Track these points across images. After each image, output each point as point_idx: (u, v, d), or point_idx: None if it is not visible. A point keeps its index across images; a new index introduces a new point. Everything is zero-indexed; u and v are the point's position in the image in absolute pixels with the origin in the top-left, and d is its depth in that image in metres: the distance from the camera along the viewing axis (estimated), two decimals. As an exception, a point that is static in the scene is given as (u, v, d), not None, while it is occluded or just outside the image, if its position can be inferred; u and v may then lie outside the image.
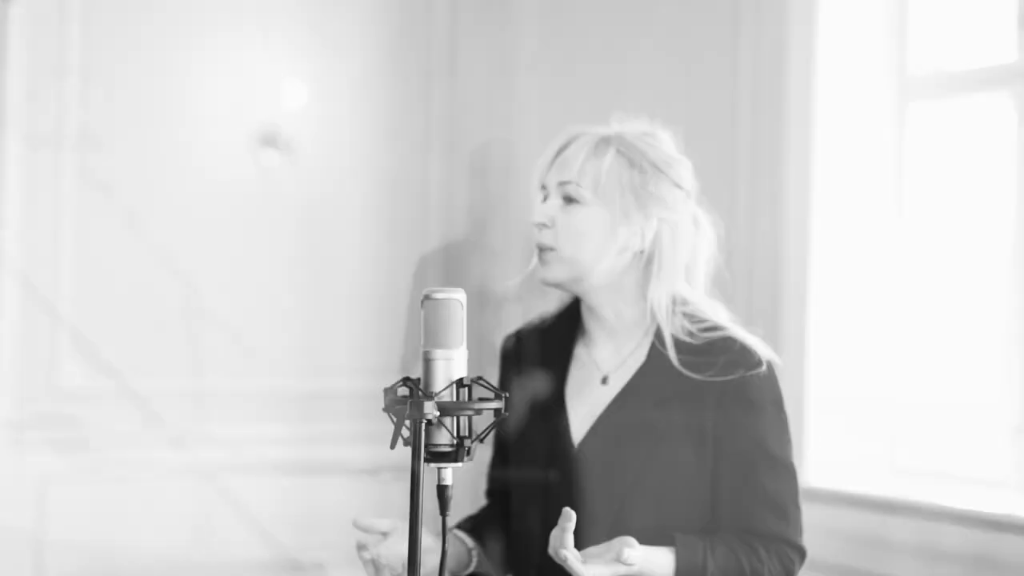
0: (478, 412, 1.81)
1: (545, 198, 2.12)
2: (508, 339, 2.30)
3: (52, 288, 4.63)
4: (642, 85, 4.58)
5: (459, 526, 2.25)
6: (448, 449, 1.81)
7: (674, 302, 2.10)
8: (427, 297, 1.82)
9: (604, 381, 2.12)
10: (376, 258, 5.15)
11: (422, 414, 1.74)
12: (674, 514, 2.02)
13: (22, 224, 4.56)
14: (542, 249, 2.10)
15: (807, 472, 3.85)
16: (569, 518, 1.87)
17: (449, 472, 1.83)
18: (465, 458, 1.82)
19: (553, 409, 2.13)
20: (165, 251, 4.80)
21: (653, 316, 2.10)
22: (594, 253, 2.07)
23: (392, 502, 5.03)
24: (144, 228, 4.76)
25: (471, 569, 2.21)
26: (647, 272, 2.10)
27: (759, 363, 2.05)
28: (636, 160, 2.09)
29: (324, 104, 5.06)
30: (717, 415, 2.03)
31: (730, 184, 4.18)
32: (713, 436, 2.03)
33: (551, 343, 2.21)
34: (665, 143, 2.16)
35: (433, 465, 1.82)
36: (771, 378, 2.07)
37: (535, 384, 2.19)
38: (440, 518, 1.80)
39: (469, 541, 2.21)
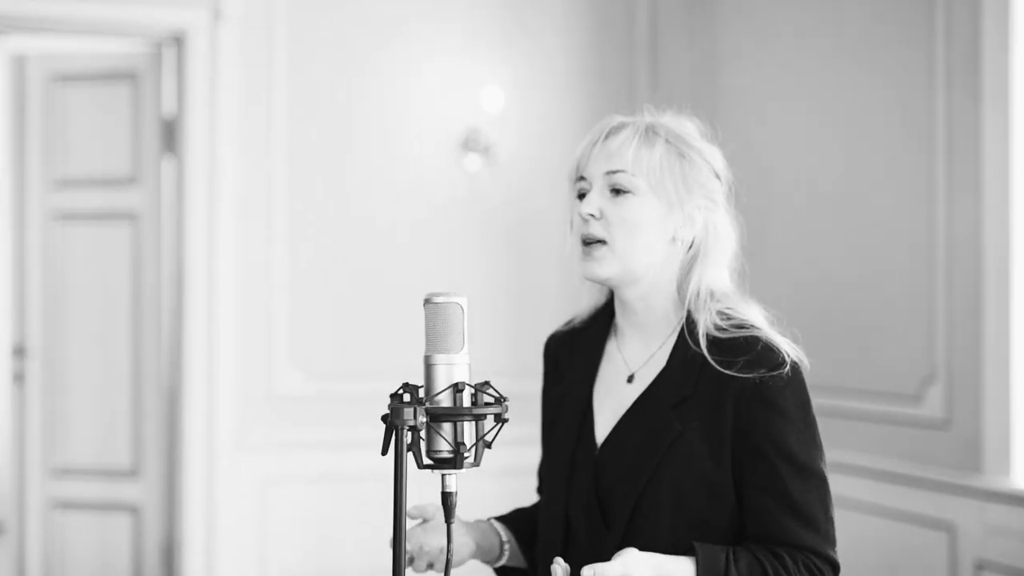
0: (476, 418, 1.76)
1: (582, 192, 2.05)
2: (548, 339, 2.24)
3: (267, 302, 4.79)
4: (838, 78, 4.38)
5: (501, 517, 2.21)
6: (448, 455, 1.77)
7: (712, 296, 2.00)
8: (428, 301, 1.78)
9: (630, 380, 2.04)
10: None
11: (402, 421, 1.70)
12: (692, 519, 1.92)
13: (238, 240, 4.74)
14: (588, 242, 2.02)
15: None
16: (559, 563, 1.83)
17: (453, 479, 1.78)
18: (466, 464, 1.77)
19: (580, 410, 2.07)
20: (373, 258, 4.91)
21: (683, 309, 2.01)
22: (647, 245, 1.99)
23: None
24: (351, 236, 4.88)
25: (503, 561, 2.16)
26: (690, 263, 2.02)
27: (781, 364, 1.92)
28: (684, 149, 2.02)
29: (525, 107, 5.07)
30: (735, 416, 1.91)
31: (927, 173, 3.95)
32: (732, 438, 1.92)
33: (584, 341, 2.14)
34: (697, 134, 2.07)
35: (437, 472, 1.79)
36: (795, 381, 1.93)
37: (566, 384, 2.13)
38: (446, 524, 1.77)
39: (504, 533, 2.16)
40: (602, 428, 2.03)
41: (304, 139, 4.84)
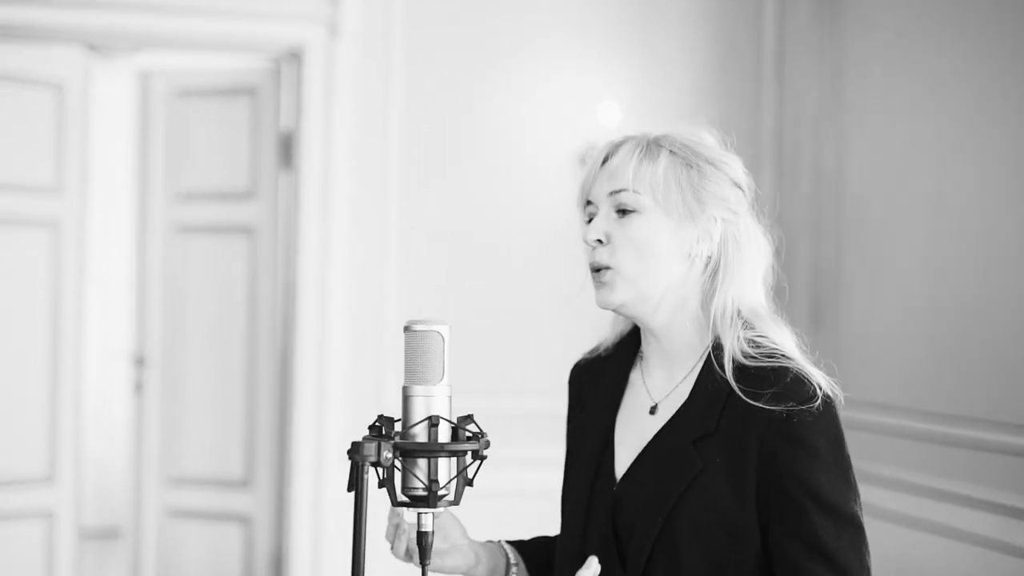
0: (450, 454, 1.69)
1: (591, 216, 1.95)
2: (573, 368, 2.14)
3: (378, 316, 4.78)
4: (970, 91, 4.16)
5: (517, 541, 2.13)
6: (422, 493, 1.69)
7: (739, 317, 1.88)
8: (407, 328, 1.72)
9: (653, 411, 1.92)
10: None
11: (362, 456, 1.63)
12: (714, 561, 1.79)
13: (351, 254, 4.74)
14: (598, 269, 1.91)
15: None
16: (590, 566, 1.72)
17: (429, 518, 1.72)
18: (443, 503, 1.70)
19: (601, 440, 1.96)
20: (486, 273, 4.86)
21: (710, 334, 1.89)
22: (659, 266, 1.87)
23: None
24: (465, 251, 4.84)
25: None
26: (712, 282, 1.89)
27: (811, 397, 1.78)
28: (691, 159, 1.90)
29: (643, 122, 4.94)
30: (760, 453, 1.78)
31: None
32: (758, 477, 1.78)
33: (609, 370, 2.03)
34: (712, 143, 1.94)
35: (412, 510, 1.72)
36: (827, 416, 1.79)
37: (587, 413, 2.03)
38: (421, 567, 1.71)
39: (513, 556, 2.07)
40: (622, 461, 1.92)
41: (419, 154, 4.82)
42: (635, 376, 1.99)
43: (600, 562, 1.88)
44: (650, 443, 1.88)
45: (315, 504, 4.72)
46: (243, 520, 5.06)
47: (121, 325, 5.48)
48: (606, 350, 2.07)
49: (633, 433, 1.92)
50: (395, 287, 4.81)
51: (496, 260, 4.86)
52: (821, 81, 5.00)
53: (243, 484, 5.05)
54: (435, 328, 1.70)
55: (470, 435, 1.72)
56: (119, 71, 5.45)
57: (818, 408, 1.78)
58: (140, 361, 5.14)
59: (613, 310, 1.93)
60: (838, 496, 1.77)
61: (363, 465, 1.63)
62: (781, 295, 4.64)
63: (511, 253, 4.87)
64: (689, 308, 1.90)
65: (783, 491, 1.77)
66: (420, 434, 1.69)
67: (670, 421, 1.87)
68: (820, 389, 1.79)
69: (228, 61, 5.13)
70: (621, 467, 1.91)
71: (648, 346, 1.96)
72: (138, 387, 5.16)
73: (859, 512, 1.79)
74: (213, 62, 5.18)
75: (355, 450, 1.63)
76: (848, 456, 1.81)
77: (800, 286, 5.03)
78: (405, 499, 1.71)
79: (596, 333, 4.52)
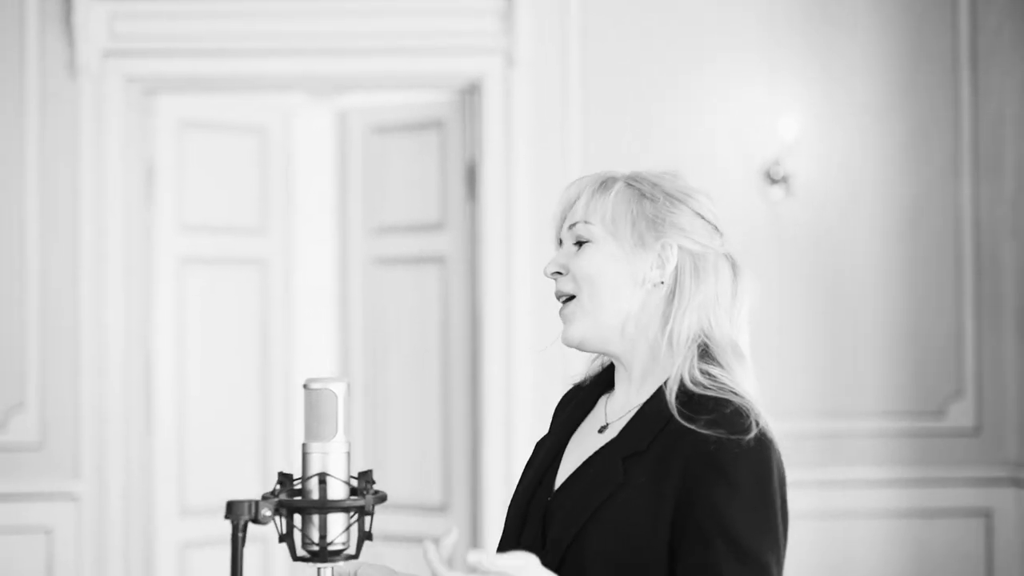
0: (337, 511, 1.71)
1: None
2: (561, 398, 2.14)
3: (562, 346, 4.80)
4: None
5: None
6: (315, 549, 1.73)
7: (699, 347, 1.85)
8: (304, 386, 1.77)
9: (602, 430, 1.92)
10: (896, 293, 4.79)
11: (236, 516, 1.68)
12: None
13: (535, 281, 4.79)
14: (562, 300, 1.94)
15: None
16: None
17: (328, 572, 1.75)
18: (340, 556, 1.73)
19: (551, 456, 1.97)
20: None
21: (673, 364, 1.85)
22: (612, 292, 1.88)
23: (931, 548, 4.67)
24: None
25: None
26: (668, 309, 1.88)
27: (745, 431, 1.72)
28: (647, 190, 1.91)
29: (826, 136, 4.81)
30: (683, 478, 1.74)
31: None
32: (675, 501, 1.73)
33: (582, 400, 2.03)
34: (680, 180, 1.94)
35: (314, 565, 1.76)
36: (758, 454, 1.72)
37: (549, 433, 2.05)
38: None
39: None
40: (563, 475, 1.92)
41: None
42: (601, 400, 1.99)
43: None
44: (588, 458, 1.88)
45: (508, 528, 4.79)
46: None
47: (327, 355, 5.71)
48: (590, 380, 2.06)
49: (580, 450, 1.93)
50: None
51: (679, 281, 4.80)
52: (1021, 79, 4.71)
53: (441, 509, 5.17)
54: (328, 387, 1.74)
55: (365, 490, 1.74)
56: (317, 112, 5.70)
57: (748, 443, 1.72)
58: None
59: (575, 347, 1.93)
60: (751, 539, 1.69)
61: (238, 524, 1.67)
62: (983, 301, 4.46)
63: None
64: (650, 335, 1.90)
65: (696, 520, 1.72)
66: (314, 490, 1.73)
67: (612, 439, 1.87)
68: (757, 426, 1.74)
69: (417, 96, 5.29)
70: (561, 480, 1.91)
71: (617, 374, 1.97)
72: (344, 415, 5.36)
73: (772, 565, 1.70)
74: (404, 98, 5.34)
75: (229, 510, 1.67)
76: (775, 504, 1.73)
77: (1007, 294, 4.76)
78: (305, 554, 1.75)
79: (786, 347, 4.42)
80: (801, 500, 4.59)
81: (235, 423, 5.21)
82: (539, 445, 2.03)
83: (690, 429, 1.74)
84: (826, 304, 4.81)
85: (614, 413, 1.92)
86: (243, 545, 1.68)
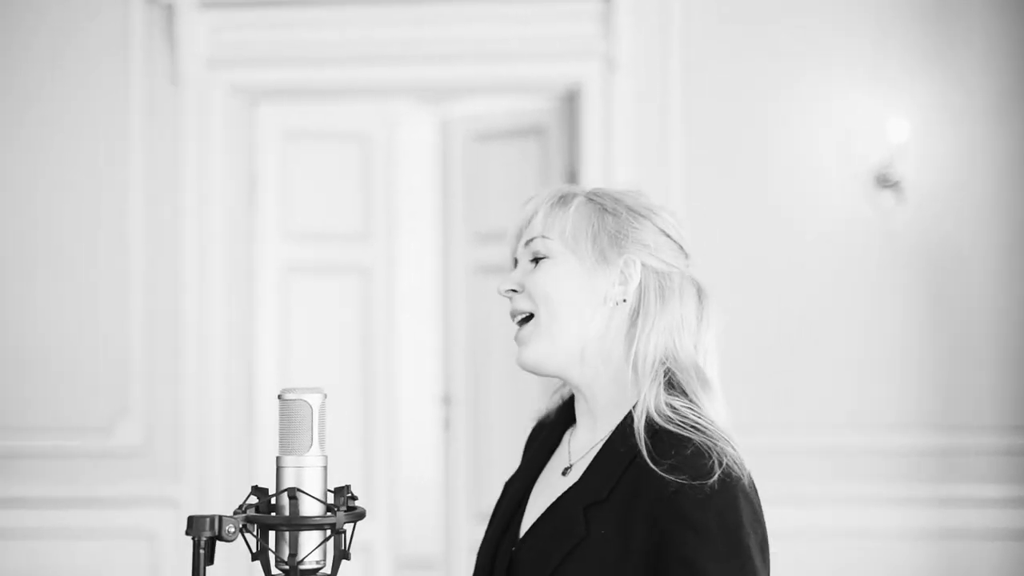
0: (310, 527, 1.65)
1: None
2: (531, 431, 2.03)
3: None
4: None
5: None
6: (285, 567, 1.67)
7: (664, 374, 1.73)
8: (278, 397, 1.71)
9: (565, 472, 1.81)
10: (1013, 303, 4.56)
11: (197, 532, 1.63)
12: None
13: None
14: (520, 322, 1.83)
15: None
16: None
17: (301, 592, 1.68)
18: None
19: (516, 500, 1.87)
20: (777, 304, 4.66)
21: (637, 393, 1.74)
22: (570, 310, 1.77)
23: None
24: (754, 280, 4.67)
25: None
26: (632, 331, 1.76)
27: (707, 474, 1.61)
28: (609, 205, 1.81)
29: (939, 138, 4.60)
30: (649, 528, 1.63)
31: None
32: (644, 556, 1.62)
33: (545, 438, 1.92)
34: (644, 197, 1.81)
35: (285, 584, 1.70)
36: (723, 496, 1.60)
37: (516, 475, 1.94)
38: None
39: None
40: (528, 522, 1.82)
41: (702, 185, 4.70)
42: (566, 437, 1.89)
43: None
44: (551, 505, 1.77)
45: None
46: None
47: (429, 362, 5.68)
48: (549, 414, 1.95)
49: (545, 494, 1.82)
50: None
51: (785, 289, 4.66)
52: None
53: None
54: (303, 397, 1.68)
55: (343, 507, 1.68)
56: (419, 120, 5.68)
57: (712, 486, 1.61)
58: (447, 400, 5.31)
59: (531, 371, 1.82)
60: None
61: (199, 540, 1.62)
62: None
63: (801, 281, 4.65)
64: (613, 362, 1.78)
65: (666, 572, 1.61)
66: (286, 506, 1.67)
67: (575, 483, 1.76)
68: (720, 466, 1.62)
69: (518, 103, 5.22)
70: (526, 527, 1.82)
71: (578, 406, 1.86)
72: (446, 425, 5.33)
73: None
74: (506, 105, 5.29)
75: (189, 525, 1.62)
76: (749, 547, 1.62)
77: None
78: (279, 572, 1.69)
79: (896, 356, 4.26)
80: (918, 518, 4.44)
81: (337, 430, 5.20)
82: (507, 485, 1.93)
83: (654, 472, 1.63)
84: (939, 313, 4.60)
85: (577, 452, 1.81)
86: (206, 562, 1.63)
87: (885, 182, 4.56)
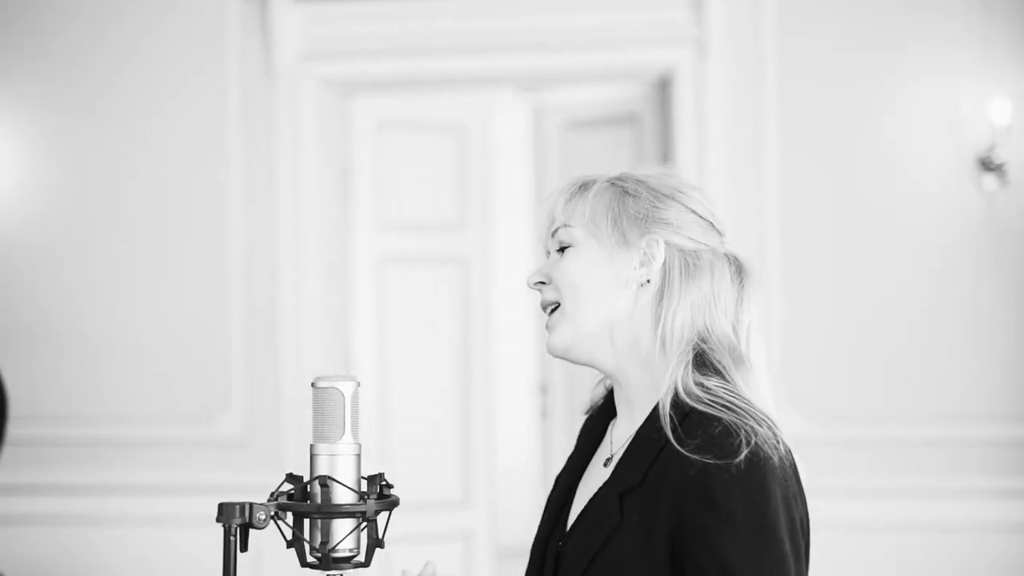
0: (339, 515, 1.65)
1: None
2: (580, 429, 2.00)
3: (764, 337, 4.64)
4: None
5: None
6: (319, 555, 1.68)
7: (687, 344, 1.69)
8: (312, 385, 1.72)
9: (606, 463, 1.78)
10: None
11: (227, 519, 1.64)
12: None
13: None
14: (548, 310, 1.81)
15: None
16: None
17: (335, 580, 1.69)
18: (341, 566, 1.67)
19: (564, 492, 1.85)
20: (874, 291, 4.57)
21: (666, 374, 1.70)
22: (593, 296, 1.74)
23: None
24: (849, 269, 4.59)
25: None
26: (658, 311, 1.73)
27: (733, 453, 1.56)
28: (631, 188, 1.77)
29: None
30: (675, 512, 1.59)
31: None
32: (669, 539, 1.59)
33: (591, 429, 1.90)
34: (679, 178, 1.78)
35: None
36: (749, 477, 1.56)
37: (564, 467, 1.91)
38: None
39: None
40: (574, 514, 1.80)
41: (797, 171, 4.62)
42: (610, 428, 1.86)
43: None
44: (592, 497, 1.74)
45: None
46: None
47: (526, 351, 5.67)
48: (593, 407, 1.93)
49: (590, 486, 1.80)
50: (777, 308, 4.64)
51: (884, 275, 4.56)
52: None
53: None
54: (335, 385, 1.69)
55: (376, 495, 1.68)
56: (513, 109, 5.66)
57: (739, 466, 1.56)
58: (544, 388, 5.30)
59: (561, 357, 1.81)
60: (749, 572, 1.54)
61: (229, 527, 1.63)
62: None
63: (900, 266, 4.54)
64: (643, 345, 1.75)
65: (692, 557, 1.59)
66: (318, 494, 1.67)
67: (611, 473, 1.73)
68: (748, 445, 1.57)
69: (612, 91, 5.19)
70: (572, 520, 1.79)
71: (616, 395, 1.83)
72: (543, 413, 5.32)
73: None
74: (599, 93, 5.25)
75: (220, 512, 1.64)
76: (778, 529, 1.57)
77: None
78: (313, 560, 1.69)
79: (995, 348, 4.16)
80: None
81: (435, 420, 5.23)
82: (558, 479, 1.91)
83: (680, 453, 1.59)
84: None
85: (618, 441, 1.78)
86: (237, 549, 1.64)
87: (988, 165, 4.43)
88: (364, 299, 5.13)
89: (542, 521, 1.86)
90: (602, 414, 1.89)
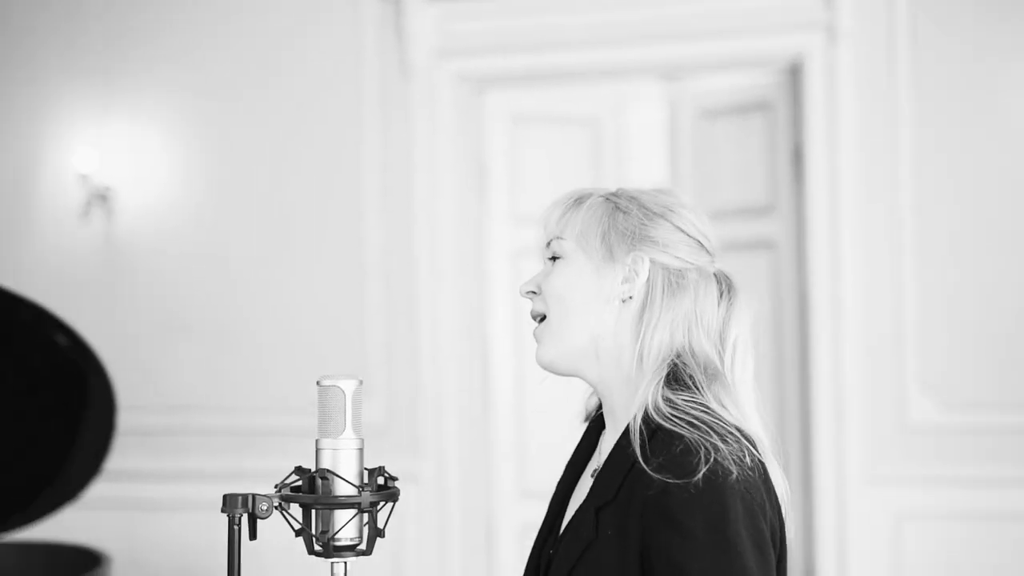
0: (337, 506, 1.73)
1: None
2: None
3: (895, 329, 4.58)
4: None
5: None
6: (321, 544, 1.77)
7: (671, 376, 1.70)
8: (317, 383, 1.81)
9: (594, 474, 1.80)
10: None
11: (231, 510, 1.74)
12: None
13: (863, 264, 4.59)
14: (537, 320, 1.85)
15: None
16: None
17: (340, 568, 1.77)
18: (341, 554, 1.75)
19: (559, 502, 1.88)
20: (1015, 274, 4.46)
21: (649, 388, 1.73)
22: (577, 309, 1.77)
23: None
24: (985, 252, 4.48)
25: None
26: (638, 327, 1.75)
27: (690, 472, 1.57)
28: (623, 204, 1.79)
29: None
30: (641, 528, 1.62)
31: None
32: (636, 552, 1.62)
33: (589, 433, 1.92)
34: (676, 198, 1.81)
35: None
36: (708, 495, 1.56)
37: (561, 476, 1.93)
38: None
39: None
40: (565, 524, 1.83)
41: (929, 156, 4.53)
42: (601, 437, 1.89)
43: None
44: (579, 507, 1.78)
45: (839, 524, 4.61)
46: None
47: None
48: (588, 416, 1.96)
49: (579, 496, 1.83)
50: (911, 296, 4.56)
51: (1020, 264, 4.43)
52: None
53: (776, 501, 5.00)
54: (337, 383, 1.78)
55: (378, 486, 1.76)
56: (646, 100, 5.67)
57: (696, 484, 1.58)
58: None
59: (547, 370, 1.85)
60: None
61: (233, 517, 1.73)
62: None
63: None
64: (624, 360, 1.77)
65: (657, 574, 1.61)
66: (320, 486, 1.76)
67: (591, 487, 1.77)
68: (707, 463, 1.59)
69: (743, 78, 5.14)
70: (563, 530, 1.83)
71: (603, 407, 1.86)
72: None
73: None
74: (731, 81, 5.21)
75: (224, 503, 1.74)
76: (740, 545, 1.57)
77: None
78: (319, 549, 1.78)
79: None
80: None
81: (571, 407, 5.27)
82: (557, 486, 1.94)
83: (645, 472, 1.61)
84: None
85: (604, 453, 1.80)
86: (241, 538, 1.74)
87: None
88: (499, 291, 5.21)
89: (539, 531, 1.90)
90: (597, 423, 1.92)
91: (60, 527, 4.52)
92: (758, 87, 5.02)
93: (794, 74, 4.79)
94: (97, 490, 4.85)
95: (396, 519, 4.95)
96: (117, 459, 5.00)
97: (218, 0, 5.13)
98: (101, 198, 5.14)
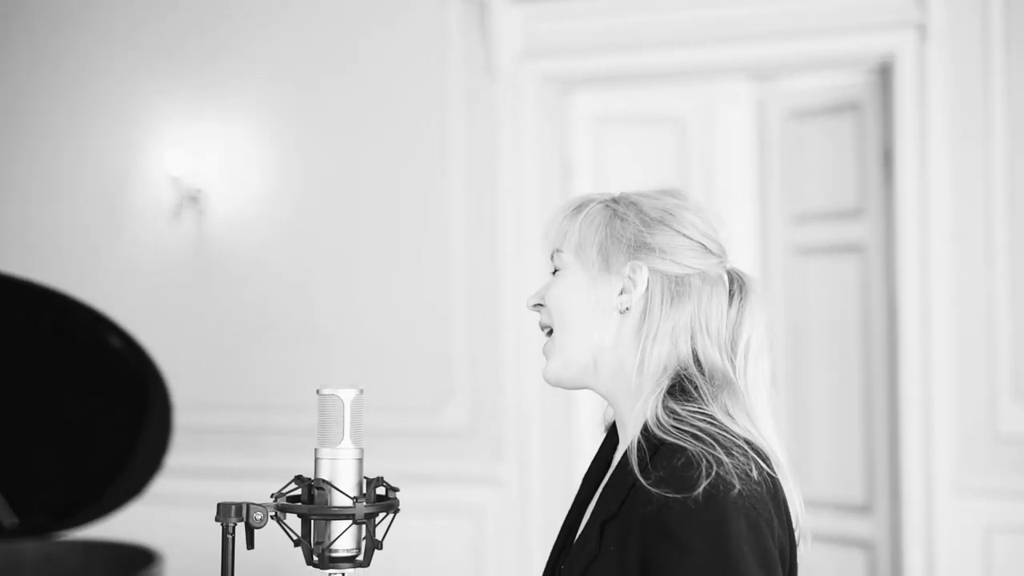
0: (331, 517, 1.72)
1: None
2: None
3: (987, 334, 4.45)
4: None
5: None
6: (317, 555, 1.76)
7: (674, 386, 1.65)
8: (316, 392, 1.81)
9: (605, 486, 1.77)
10: None
11: (224, 519, 1.73)
12: None
13: (954, 268, 4.48)
14: (545, 333, 1.81)
15: None
16: None
17: (336, 577, 1.77)
18: (339, 565, 1.74)
19: (576, 513, 1.83)
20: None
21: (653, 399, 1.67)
22: (576, 322, 1.73)
23: None
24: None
25: None
26: (637, 338, 1.70)
27: (690, 487, 1.51)
28: (622, 211, 1.73)
29: None
30: (642, 544, 1.56)
31: None
32: (636, 569, 1.57)
33: (602, 447, 1.87)
34: (680, 200, 1.74)
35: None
36: (709, 511, 1.50)
37: (576, 495, 1.88)
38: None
39: None
40: (577, 538, 1.79)
41: None
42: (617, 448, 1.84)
43: None
44: (586, 522, 1.74)
45: (927, 535, 4.49)
46: (865, 546, 4.90)
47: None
48: (608, 423, 1.91)
49: (592, 507, 1.79)
50: (1004, 301, 4.42)
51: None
52: None
53: (863, 509, 4.89)
54: (336, 393, 1.76)
55: (377, 497, 1.75)
56: (733, 100, 5.57)
57: (695, 499, 1.52)
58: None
59: (554, 385, 1.82)
60: None
61: (227, 526, 1.73)
62: None
63: None
64: (627, 373, 1.72)
65: None
66: (316, 496, 1.75)
67: (596, 501, 1.73)
68: (707, 478, 1.52)
69: (832, 79, 5.03)
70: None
71: (616, 417, 1.81)
72: (768, 408, 5.21)
73: None
74: (819, 82, 5.10)
75: (218, 512, 1.74)
76: (742, 562, 1.51)
77: None
78: (317, 559, 1.77)
79: None
80: None
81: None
82: (575, 498, 1.90)
83: (645, 487, 1.56)
84: None
85: (616, 465, 1.76)
86: (234, 547, 1.73)
87: None
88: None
89: (556, 541, 1.86)
90: (608, 437, 1.88)
91: (150, 527, 4.61)
92: (848, 87, 4.91)
93: (884, 74, 4.67)
94: (181, 487, 4.93)
95: (475, 523, 4.95)
96: (198, 456, 5.09)
97: (305, 3, 5.18)
98: (192, 200, 5.22)
